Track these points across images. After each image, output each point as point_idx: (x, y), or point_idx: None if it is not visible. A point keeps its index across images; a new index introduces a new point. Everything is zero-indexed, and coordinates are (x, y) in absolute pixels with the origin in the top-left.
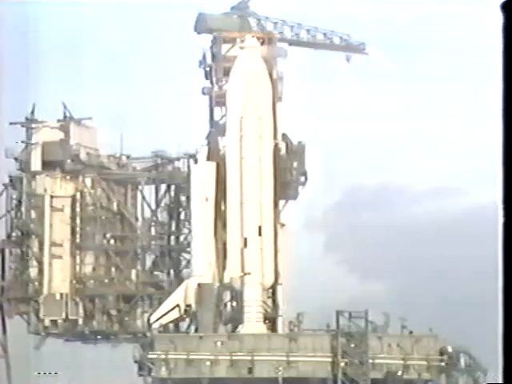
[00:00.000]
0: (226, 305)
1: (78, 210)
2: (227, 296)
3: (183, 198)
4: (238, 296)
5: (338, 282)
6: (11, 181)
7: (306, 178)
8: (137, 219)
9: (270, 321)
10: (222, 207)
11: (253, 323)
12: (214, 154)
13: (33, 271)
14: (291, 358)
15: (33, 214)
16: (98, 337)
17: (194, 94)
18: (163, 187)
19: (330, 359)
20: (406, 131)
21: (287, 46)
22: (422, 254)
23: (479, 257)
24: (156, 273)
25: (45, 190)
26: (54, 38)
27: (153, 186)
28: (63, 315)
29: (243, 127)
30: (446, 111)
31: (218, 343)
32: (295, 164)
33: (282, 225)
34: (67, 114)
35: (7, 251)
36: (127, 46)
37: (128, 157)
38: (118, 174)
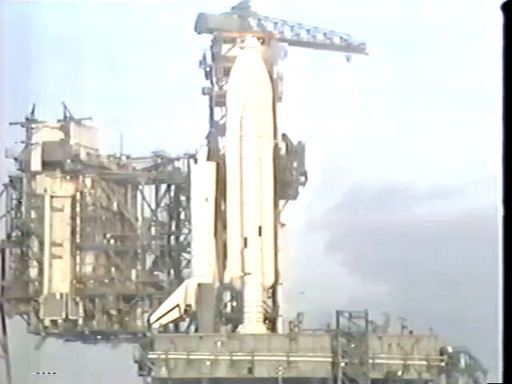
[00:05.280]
0: (226, 305)
1: (78, 209)
2: (227, 296)
3: (183, 198)
4: (237, 296)
5: (338, 282)
6: (11, 181)
7: (306, 178)
8: (137, 219)
9: (270, 321)
10: (222, 207)
11: (253, 323)
12: (214, 154)
13: (33, 271)
14: (291, 358)
15: (33, 214)
16: (98, 337)
17: (194, 94)
18: (163, 187)
19: (330, 359)
20: (406, 131)
21: (287, 46)
22: (422, 255)
23: (479, 257)
24: (156, 273)
25: (45, 190)
26: (54, 37)
27: (153, 186)
28: (63, 315)
29: (243, 127)
30: (446, 111)
31: (218, 343)
32: (295, 164)
33: (282, 225)
34: (67, 114)
35: (7, 251)
36: (127, 46)
37: (128, 157)
38: (118, 174)
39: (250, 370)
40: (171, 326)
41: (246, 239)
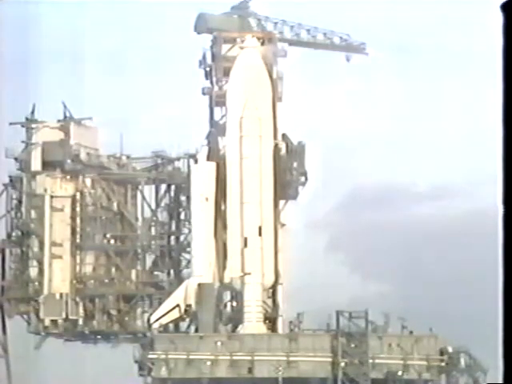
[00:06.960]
0: (226, 305)
1: (78, 209)
2: (227, 296)
3: (183, 198)
4: (238, 296)
5: (338, 281)
6: (11, 181)
7: (306, 178)
8: (137, 219)
9: (270, 321)
10: (222, 207)
11: (253, 323)
12: (214, 154)
13: (33, 271)
14: (291, 358)
15: (33, 214)
16: (98, 337)
17: (193, 94)
18: (163, 187)
19: (330, 359)
20: (406, 131)
21: (287, 46)
22: (422, 255)
23: (479, 257)
24: (156, 273)
25: (45, 190)
26: (54, 38)
27: (153, 186)
28: (63, 315)
29: (243, 127)
30: (446, 111)
31: (218, 343)
32: (295, 164)
33: (282, 225)
34: (67, 114)
35: (7, 251)
36: (127, 46)
37: (128, 157)
38: (118, 174)
39: (250, 370)
40: (171, 326)
41: (246, 239)
